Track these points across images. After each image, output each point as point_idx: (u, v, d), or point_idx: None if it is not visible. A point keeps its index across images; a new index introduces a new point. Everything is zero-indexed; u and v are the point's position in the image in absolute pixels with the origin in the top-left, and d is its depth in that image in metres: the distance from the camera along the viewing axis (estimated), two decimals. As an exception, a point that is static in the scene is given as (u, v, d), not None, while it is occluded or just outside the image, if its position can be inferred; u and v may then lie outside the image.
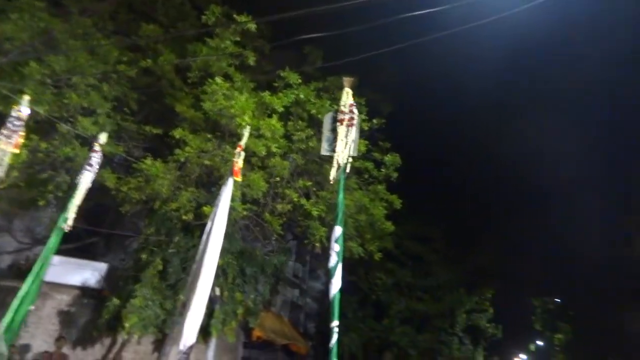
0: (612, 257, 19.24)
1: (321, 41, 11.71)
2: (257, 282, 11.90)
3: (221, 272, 10.63)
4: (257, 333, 14.95)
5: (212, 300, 10.47)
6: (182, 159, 9.56)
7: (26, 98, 6.50)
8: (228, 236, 10.87)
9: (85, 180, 6.97)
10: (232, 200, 9.20)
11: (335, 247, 4.83)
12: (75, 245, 12.19)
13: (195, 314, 5.42)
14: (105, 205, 11.76)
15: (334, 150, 4.88)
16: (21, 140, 6.44)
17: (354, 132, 4.98)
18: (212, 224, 5.99)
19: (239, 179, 6.53)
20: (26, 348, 10.95)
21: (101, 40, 9.65)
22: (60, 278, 11.60)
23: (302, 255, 21.52)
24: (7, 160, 6.20)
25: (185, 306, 5.93)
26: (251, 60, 9.92)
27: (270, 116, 9.58)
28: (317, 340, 20.79)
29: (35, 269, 6.44)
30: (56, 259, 10.08)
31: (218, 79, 9.19)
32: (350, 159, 4.90)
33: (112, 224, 13.60)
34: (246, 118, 8.48)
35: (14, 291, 6.47)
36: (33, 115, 7.12)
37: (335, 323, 4.53)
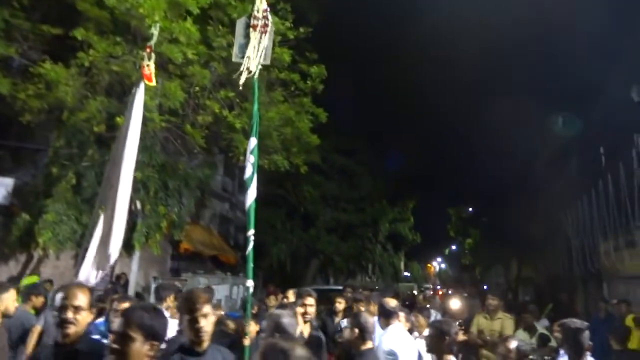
0: (517, 172, 21.03)
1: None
2: (181, 195, 11.70)
3: (142, 185, 10.28)
4: (184, 245, 15.09)
5: (133, 214, 10.22)
6: (87, 64, 8.68)
7: None
8: (147, 149, 10.41)
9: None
10: (149, 110, 8.65)
11: (251, 159, 4.78)
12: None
13: (116, 228, 5.21)
14: (6, 116, 10.62)
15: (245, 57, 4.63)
16: None
17: (266, 39, 4.72)
18: (126, 132, 5.56)
19: (152, 83, 6.01)
20: None
21: None
22: (-41, 194, 10.70)
23: (230, 169, 21.31)
24: None
25: (103, 220, 5.69)
26: (161, -47, 8.83)
27: (185, 19, 8.81)
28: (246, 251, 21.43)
29: None
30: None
31: (124, -28, 8.16)
32: (260, 66, 4.68)
33: (18, 136, 12.41)
34: (156, 18, 7.69)
35: None
36: None
37: (251, 232, 4.64)
